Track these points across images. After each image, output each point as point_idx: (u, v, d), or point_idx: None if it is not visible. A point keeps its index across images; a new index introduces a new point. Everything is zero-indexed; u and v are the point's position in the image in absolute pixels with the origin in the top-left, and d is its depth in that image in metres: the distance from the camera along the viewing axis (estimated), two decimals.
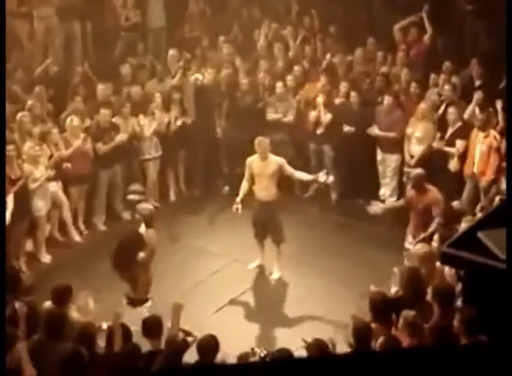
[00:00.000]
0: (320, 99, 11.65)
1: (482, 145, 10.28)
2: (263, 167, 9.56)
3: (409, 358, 1.70)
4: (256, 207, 9.61)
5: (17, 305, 6.54)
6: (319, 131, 11.76)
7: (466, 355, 1.70)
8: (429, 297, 6.72)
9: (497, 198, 9.42)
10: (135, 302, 7.93)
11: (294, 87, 12.08)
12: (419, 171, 9.39)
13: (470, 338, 5.66)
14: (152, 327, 6.47)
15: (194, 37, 13.54)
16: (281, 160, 9.64)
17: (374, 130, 11.37)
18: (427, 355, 1.72)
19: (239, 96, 12.04)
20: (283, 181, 9.76)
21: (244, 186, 9.63)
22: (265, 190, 9.55)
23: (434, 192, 9.12)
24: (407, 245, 9.07)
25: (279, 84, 11.87)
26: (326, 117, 11.61)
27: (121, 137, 10.98)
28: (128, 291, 7.96)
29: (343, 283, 9.29)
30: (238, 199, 9.51)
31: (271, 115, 11.91)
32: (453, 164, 10.74)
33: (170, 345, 6.30)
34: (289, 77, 12.10)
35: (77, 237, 10.61)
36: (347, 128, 11.49)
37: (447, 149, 10.79)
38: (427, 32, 12.35)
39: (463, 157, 10.63)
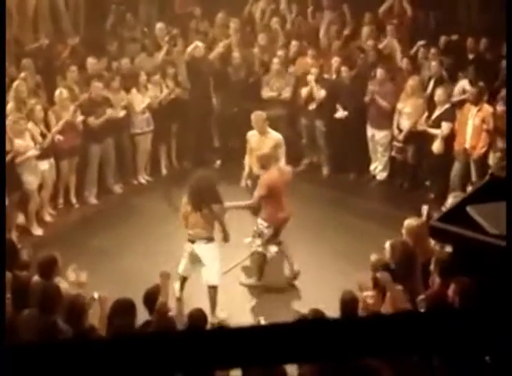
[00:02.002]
0: (312, 76, 11.60)
1: (475, 119, 10.29)
2: (261, 142, 9.49)
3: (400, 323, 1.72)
4: (253, 182, 9.54)
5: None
6: (311, 107, 11.74)
7: (458, 320, 1.72)
8: (418, 271, 6.77)
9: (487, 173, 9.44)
10: (208, 239, 8.13)
11: (288, 61, 12.02)
12: None
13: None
14: (154, 297, 6.52)
15: (187, 10, 13.47)
16: (280, 137, 9.56)
17: (367, 98, 11.32)
18: (417, 319, 1.74)
19: (231, 71, 12.00)
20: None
21: (247, 160, 9.58)
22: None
23: None
24: None
25: (276, 61, 11.79)
26: (320, 94, 11.58)
27: (112, 111, 10.94)
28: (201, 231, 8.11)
29: (337, 256, 9.33)
30: (245, 174, 9.51)
31: (266, 93, 11.84)
32: (436, 146, 10.72)
33: (160, 313, 6.33)
34: (279, 52, 12.02)
35: (47, 218, 10.52)
36: (340, 113, 11.47)
37: (431, 130, 10.79)
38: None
39: (452, 135, 10.63)
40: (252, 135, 9.60)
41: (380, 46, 12.05)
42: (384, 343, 1.77)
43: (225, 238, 8.26)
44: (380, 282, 6.44)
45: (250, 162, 9.57)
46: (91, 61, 11.37)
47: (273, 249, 9.36)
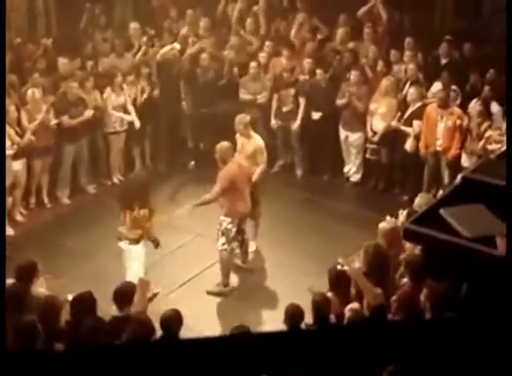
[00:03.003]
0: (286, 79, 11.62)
1: (448, 121, 10.36)
2: (244, 144, 9.50)
3: (375, 331, 1.72)
4: None
5: None
6: (285, 109, 11.75)
7: (431, 329, 1.72)
8: (391, 273, 6.80)
9: (459, 175, 9.52)
10: (133, 241, 8.27)
11: (266, 64, 12.01)
12: None
13: (434, 315, 5.73)
14: (123, 294, 6.49)
15: (161, 9, 13.41)
16: (261, 143, 9.55)
17: (343, 100, 11.35)
18: (391, 328, 1.74)
19: (199, 72, 11.94)
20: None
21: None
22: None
23: None
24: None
25: (253, 64, 11.75)
26: (301, 105, 11.59)
27: (89, 113, 10.88)
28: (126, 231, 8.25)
29: (308, 258, 9.34)
30: None
31: (243, 96, 11.82)
32: (409, 144, 10.79)
33: (137, 320, 6.30)
34: (261, 54, 12.02)
35: (19, 218, 10.43)
36: (315, 115, 11.50)
37: (404, 128, 10.86)
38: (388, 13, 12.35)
39: (423, 136, 10.70)
40: (239, 137, 9.62)
41: (352, 47, 12.06)
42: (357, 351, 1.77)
43: (155, 243, 8.37)
44: (352, 276, 6.44)
45: None
46: (62, 61, 11.28)
47: (251, 248, 9.40)
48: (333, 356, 1.75)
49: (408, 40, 11.63)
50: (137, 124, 11.37)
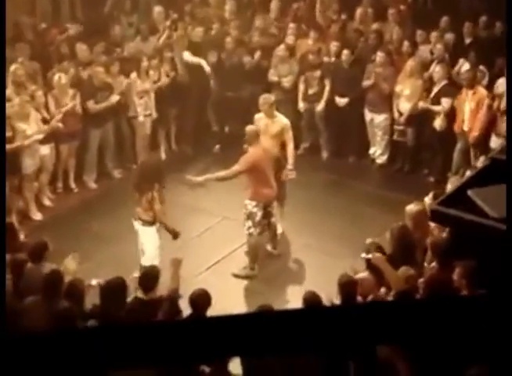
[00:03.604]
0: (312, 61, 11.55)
1: (471, 102, 10.27)
2: (268, 125, 9.44)
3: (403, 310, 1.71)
4: None
5: None
6: (311, 91, 11.70)
7: (463, 306, 1.70)
8: (418, 255, 6.77)
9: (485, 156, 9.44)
10: (146, 222, 8.32)
11: (293, 46, 11.96)
12: None
13: (470, 292, 5.68)
14: (151, 278, 6.54)
15: None
16: (287, 122, 9.51)
17: (369, 81, 11.30)
18: (421, 307, 1.73)
19: (225, 55, 11.92)
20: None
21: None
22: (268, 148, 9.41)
23: None
24: None
25: (281, 47, 11.71)
26: (326, 89, 11.54)
27: (115, 98, 10.91)
28: (140, 212, 8.31)
29: (334, 240, 9.33)
30: None
31: (271, 77, 11.78)
32: (439, 123, 10.72)
33: (172, 298, 6.37)
34: (289, 37, 11.95)
35: (47, 202, 10.50)
36: (341, 101, 11.44)
37: (433, 107, 10.79)
38: None
39: (451, 115, 10.62)
40: (259, 119, 9.55)
41: (377, 28, 11.96)
42: (390, 330, 1.76)
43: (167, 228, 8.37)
44: (375, 264, 6.44)
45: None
46: (81, 47, 11.28)
47: (278, 231, 9.41)
48: (360, 335, 1.74)
49: (444, 19, 11.51)
50: (154, 114, 11.40)
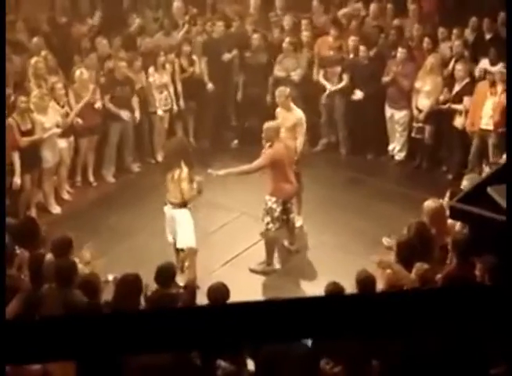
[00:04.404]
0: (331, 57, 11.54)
1: (500, 98, 10.21)
2: (285, 118, 9.50)
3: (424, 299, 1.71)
4: None
5: (18, 250, 6.60)
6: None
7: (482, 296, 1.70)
8: (436, 251, 6.75)
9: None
10: (177, 205, 8.25)
11: (308, 42, 11.93)
12: None
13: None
14: (166, 274, 6.54)
15: None
16: (301, 115, 9.57)
17: (386, 78, 11.28)
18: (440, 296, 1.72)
19: (249, 52, 11.94)
20: None
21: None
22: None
23: None
24: None
25: (287, 40, 11.71)
26: (342, 83, 11.55)
27: (126, 115, 10.96)
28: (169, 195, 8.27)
29: (352, 237, 9.31)
30: None
31: (277, 72, 11.78)
32: (460, 121, 10.68)
33: (189, 288, 6.38)
34: (305, 33, 11.95)
35: (65, 196, 10.54)
36: (358, 94, 11.42)
37: (454, 106, 10.74)
38: None
39: (469, 113, 10.57)
40: (280, 111, 9.63)
41: (398, 24, 11.91)
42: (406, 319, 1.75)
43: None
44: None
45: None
46: (101, 42, 11.32)
47: (297, 224, 9.41)
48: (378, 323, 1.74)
49: (473, 19, 11.41)
50: (175, 108, 11.44)
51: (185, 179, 8.16)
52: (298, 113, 9.59)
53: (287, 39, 11.73)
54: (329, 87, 11.63)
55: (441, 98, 10.85)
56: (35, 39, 11.04)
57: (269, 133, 8.85)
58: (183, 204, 8.26)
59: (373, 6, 12.17)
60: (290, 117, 9.50)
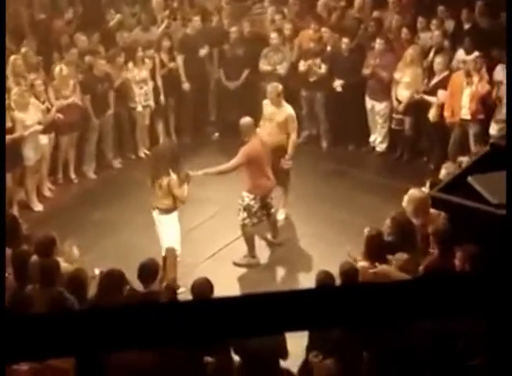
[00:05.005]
0: (314, 48, 11.56)
1: (476, 88, 10.26)
2: (274, 113, 9.50)
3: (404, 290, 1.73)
4: None
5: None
6: (311, 79, 11.70)
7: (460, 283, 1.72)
8: (418, 241, 6.78)
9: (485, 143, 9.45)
10: (164, 211, 8.20)
11: (290, 35, 11.96)
12: None
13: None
14: (149, 271, 6.53)
15: None
16: (292, 113, 9.58)
17: (368, 69, 11.31)
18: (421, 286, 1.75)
19: (228, 46, 11.94)
20: None
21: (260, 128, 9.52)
22: (272, 136, 9.39)
23: None
24: None
25: (274, 35, 11.71)
26: (321, 71, 11.54)
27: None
28: (157, 201, 8.22)
29: (335, 228, 9.35)
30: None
31: (263, 66, 11.79)
32: (432, 114, 10.72)
33: (169, 288, 6.37)
34: (286, 26, 11.96)
35: (47, 193, 10.51)
36: (337, 83, 11.44)
37: (428, 98, 10.79)
38: None
39: (447, 104, 10.62)
40: (267, 104, 9.63)
41: (377, 16, 11.95)
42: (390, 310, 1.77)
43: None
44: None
45: (261, 130, 9.52)
46: (80, 38, 11.28)
47: (281, 216, 9.44)
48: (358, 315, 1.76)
49: (440, 8, 11.49)
50: (152, 104, 11.44)
51: (176, 186, 8.13)
52: (289, 110, 9.60)
53: (274, 34, 11.71)
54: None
55: (420, 90, 10.89)
56: (19, 36, 10.96)
57: (244, 129, 8.85)
58: (172, 209, 8.23)
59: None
60: (281, 113, 9.51)
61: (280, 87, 9.67)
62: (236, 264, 8.93)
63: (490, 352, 4.95)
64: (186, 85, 11.91)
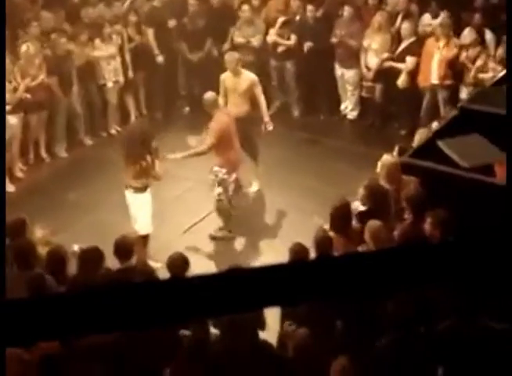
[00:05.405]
0: (280, 19, 11.50)
1: (442, 52, 10.27)
2: (236, 83, 9.46)
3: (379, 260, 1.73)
4: None
5: None
6: (280, 50, 11.65)
7: (435, 253, 1.73)
8: (392, 208, 6.81)
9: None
10: (139, 189, 8.12)
11: (258, 6, 11.88)
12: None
13: (442, 240, 5.73)
14: (123, 247, 6.52)
15: None
16: (254, 77, 9.55)
17: (336, 37, 11.28)
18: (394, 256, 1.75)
19: (188, 18, 11.84)
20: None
21: (221, 101, 9.42)
22: (238, 106, 9.40)
23: None
24: None
25: (245, 8, 11.61)
26: (290, 42, 11.51)
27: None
28: (131, 180, 8.11)
29: (308, 197, 9.37)
30: None
31: (237, 39, 11.69)
32: (401, 80, 10.73)
33: (140, 270, 6.37)
34: None
35: (19, 174, 10.41)
36: (306, 45, 11.40)
37: (397, 65, 10.79)
38: None
39: (417, 69, 10.63)
40: (227, 77, 9.56)
41: None
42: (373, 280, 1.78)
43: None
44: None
45: (225, 103, 9.50)
46: (45, 15, 11.13)
47: (254, 188, 9.45)
48: (334, 288, 1.76)
49: None
50: (121, 80, 11.35)
51: (151, 167, 8.07)
52: (250, 75, 9.56)
53: (245, 6, 11.61)
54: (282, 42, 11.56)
55: (388, 56, 10.88)
56: None
57: (207, 104, 8.81)
58: (143, 189, 8.17)
59: None
60: (242, 81, 9.47)
61: (237, 55, 9.67)
62: (212, 237, 8.94)
63: (455, 316, 5.02)
64: (160, 58, 11.82)
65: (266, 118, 9.54)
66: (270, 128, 9.59)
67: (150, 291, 1.70)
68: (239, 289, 1.70)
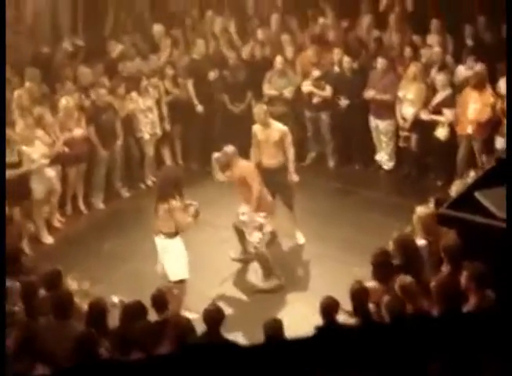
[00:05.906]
0: (316, 73, 11.60)
1: (478, 103, 10.27)
2: (267, 134, 9.53)
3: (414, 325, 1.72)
4: (264, 176, 9.23)
5: (8, 283, 6.57)
6: (315, 100, 11.72)
7: (472, 322, 1.71)
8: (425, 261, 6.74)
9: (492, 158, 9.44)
10: (168, 235, 8.09)
11: (292, 58, 12.01)
12: None
13: (478, 294, 5.68)
14: (159, 300, 6.55)
15: (179, 10, 13.46)
16: (284, 128, 9.61)
17: (369, 92, 11.34)
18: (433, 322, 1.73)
19: (229, 70, 11.99)
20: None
21: (252, 153, 9.63)
22: (271, 157, 9.49)
23: None
24: None
25: (279, 59, 11.71)
26: (326, 93, 11.60)
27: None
28: (160, 224, 8.11)
29: (344, 248, 9.32)
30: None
31: (268, 91, 11.78)
32: (442, 133, 10.72)
33: (174, 322, 6.35)
34: (288, 48, 12.02)
35: (57, 225, 10.51)
36: (343, 102, 11.47)
37: (436, 117, 10.79)
38: None
39: (454, 120, 10.62)
40: (258, 129, 9.66)
41: (377, 35, 12.00)
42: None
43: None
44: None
45: (257, 154, 9.60)
46: (83, 71, 11.33)
47: (301, 241, 9.53)
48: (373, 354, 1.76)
49: (434, 22, 11.54)
50: (159, 132, 11.52)
51: (178, 209, 8.05)
52: (280, 127, 9.63)
53: (279, 58, 11.72)
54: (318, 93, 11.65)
55: (424, 108, 10.88)
56: (30, 70, 10.97)
57: (219, 165, 9.07)
58: (176, 234, 8.12)
59: (366, 19, 12.27)
60: (273, 132, 9.54)
61: (265, 107, 9.80)
62: (258, 291, 8.87)
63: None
64: (199, 107, 11.94)
65: (291, 169, 9.57)
66: (295, 179, 9.62)
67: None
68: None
